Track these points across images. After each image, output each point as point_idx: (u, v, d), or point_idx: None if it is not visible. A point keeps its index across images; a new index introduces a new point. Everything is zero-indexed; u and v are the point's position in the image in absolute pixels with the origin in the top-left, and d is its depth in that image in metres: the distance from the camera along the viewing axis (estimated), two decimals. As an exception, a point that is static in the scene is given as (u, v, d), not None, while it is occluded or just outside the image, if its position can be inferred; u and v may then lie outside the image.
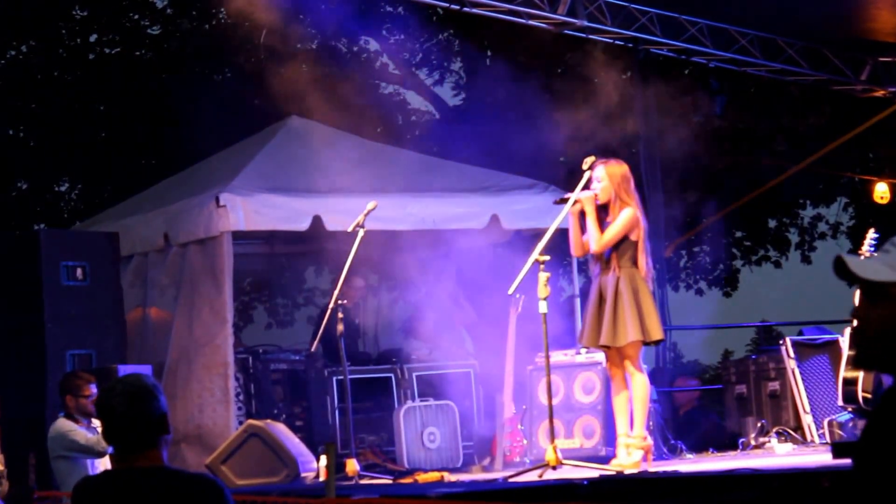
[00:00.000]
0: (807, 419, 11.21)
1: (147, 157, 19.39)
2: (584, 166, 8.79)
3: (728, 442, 11.51)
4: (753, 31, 14.04)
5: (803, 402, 11.27)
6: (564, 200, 8.87)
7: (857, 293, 2.94)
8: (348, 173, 11.70)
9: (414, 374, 11.92)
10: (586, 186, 8.79)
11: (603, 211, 8.80)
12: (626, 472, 8.32)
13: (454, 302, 12.89)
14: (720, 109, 17.22)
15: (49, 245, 10.98)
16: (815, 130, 18.16)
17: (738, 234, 21.30)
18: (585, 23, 13.08)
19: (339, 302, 9.66)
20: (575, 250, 8.96)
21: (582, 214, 8.78)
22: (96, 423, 9.23)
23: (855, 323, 2.98)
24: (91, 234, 12.13)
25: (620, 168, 8.86)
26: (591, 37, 13.69)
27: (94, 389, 9.26)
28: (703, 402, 14.26)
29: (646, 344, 8.87)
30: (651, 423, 9.73)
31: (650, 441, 9.00)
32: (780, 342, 11.71)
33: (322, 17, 17.24)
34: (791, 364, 11.40)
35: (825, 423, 10.86)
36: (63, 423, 9.19)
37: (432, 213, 12.00)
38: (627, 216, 8.71)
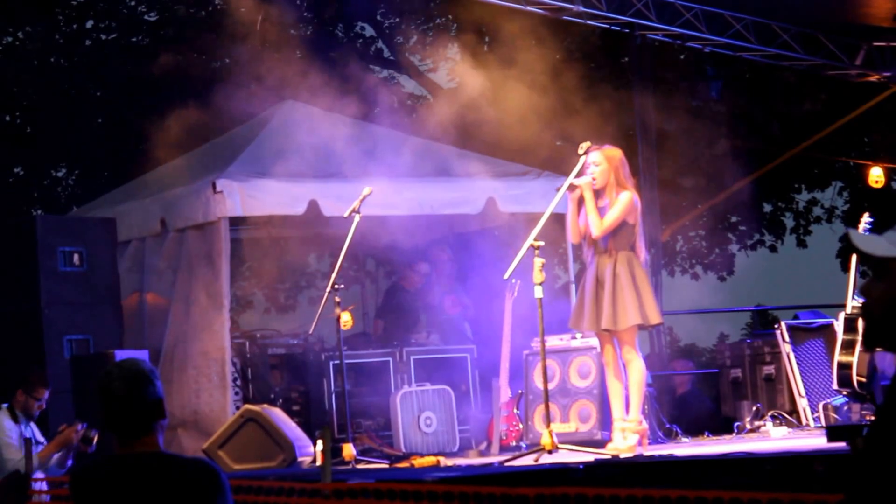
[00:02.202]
0: (802, 403, 11.24)
1: (144, 143, 19.40)
2: (580, 151, 8.83)
3: (723, 425, 11.55)
4: (748, 16, 14.06)
5: (798, 386, 11.30)
6: (565, 187, 8.92)
7: (851, 275, 2.97)
8: (344, 158, 11.71)
9: (412, 358, 11.95)
10: (581, 172, 8.83)
11: (598, 195, 8.84)
12: (622, 456, 8.37)
13: (449, 289, 12.92)
14: (716, 94, 17.24)
15: (46, 231, 11.01)
16: (810, 115, 18.18)
17: (734, 218, 21.34)
18: (582, 8, 13.10)
19: (337, 286, 9.68)
20: (573, 237, 9.00)
21: (580, 200, 8.82)
22: (35, 430, 9.30)
23: (863, 300, 3.00)
24: (88, 219, 12.14)
25: (616, 152, 8.91)
26: (587, 22, 13.72)
27: (45, 395, 9.30)
28: (696, 385, 14.30)
29: (644, 328, 8.91)
30: (646, 408, 9.76)
31: (646, 425, 9.04)
32: (776, 326, 11.73)
33: (317, 2, 17.27)
34: (786, 348, 11.43)
35: (820, 406, 10.89)
36: (1, 420, 9.19)
37: (428, 198, 12.01)
38: (626, 200, 8.76)
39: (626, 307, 8.67)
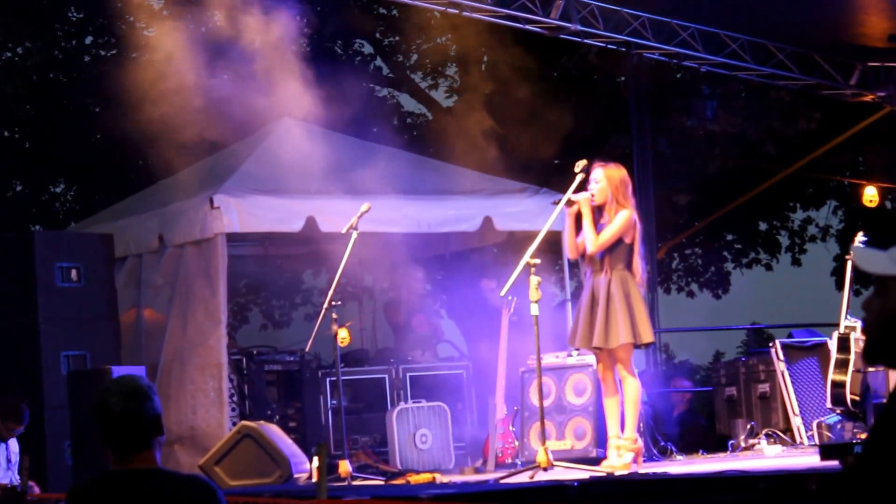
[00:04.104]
0: (796, 421, 11.27)
1: (142, 159, 19.41)
2: (576, 170, 8.85)
3: (717, 443, 11.58)
4: (744, 35, 14.13)
5: (792, 404, 11.33)
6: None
7: (845, 294, 3.01)
8: (342, 175, 11.75)
9: (408, 375, 11.99)
10: (580, 189, 8.85)
11: (597, 213, 8.86)
12: (617, 473, 8.39)
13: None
14: (711, 113, 17.31)
15: (44, 246, 11.03)
16: (805, 134, 18.24)
17: (729, 236, 21.39)
18: (578, 27, 13.16)
19: (334, 303, 9.70)
20: (570, 252, 9.01)
21: (578, 217, 8.84)
22: (9, 448, 9.40)
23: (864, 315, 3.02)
24: (85, 235, 12.17)
25: (619, 171, 8.91)
26: (584, 41, 13.78)
27: (19, 430, 9.51)
28: (694, 404, 14.33)
29: (636, 347, 8.94)
30: (641, 426, 9.79)
31: (641, 443, 9.07)
32: (770, 344, 11.78)
33: (317, 19, 17.29)
34: (780, 366, 11.47)
35: (814, 424, 10.92)
36: None
37: (426, 216, 12.05)
38: (624, 218, 8.77)
39: (617, 325, 8.70)
